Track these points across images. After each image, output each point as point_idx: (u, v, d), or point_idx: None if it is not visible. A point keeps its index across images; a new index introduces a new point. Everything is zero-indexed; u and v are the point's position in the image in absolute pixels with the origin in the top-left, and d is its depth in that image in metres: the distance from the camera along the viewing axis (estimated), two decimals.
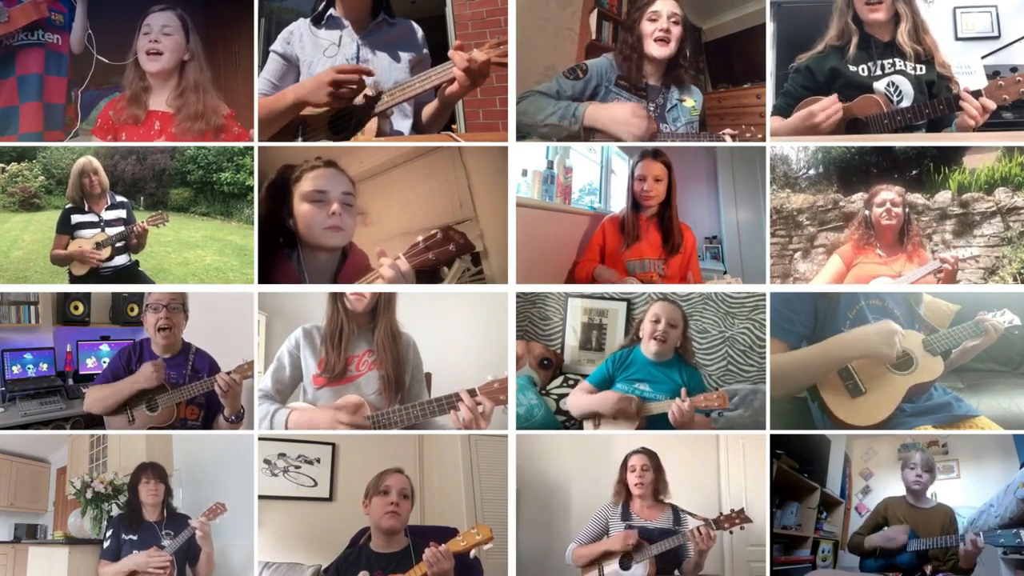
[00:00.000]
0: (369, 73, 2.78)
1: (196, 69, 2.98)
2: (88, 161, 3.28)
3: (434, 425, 2.64)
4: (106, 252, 3.21)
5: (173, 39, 2.95)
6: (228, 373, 2.75)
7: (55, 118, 3.23)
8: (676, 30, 3.01)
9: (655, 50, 3.02)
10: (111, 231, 3.26)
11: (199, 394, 2.84)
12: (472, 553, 2.46)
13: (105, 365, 3.20)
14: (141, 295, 3.22)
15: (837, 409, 2.80)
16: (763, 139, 3.02)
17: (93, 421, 3.09)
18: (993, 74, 3.19)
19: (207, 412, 2.92)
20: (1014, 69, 3.21)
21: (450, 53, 2.71)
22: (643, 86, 3.08)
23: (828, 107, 2.96)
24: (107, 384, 2.89)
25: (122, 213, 3.33)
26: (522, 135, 3.00)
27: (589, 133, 3.00)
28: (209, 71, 3.02)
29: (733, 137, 2.96)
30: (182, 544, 2.94)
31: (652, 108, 3.08)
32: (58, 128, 3.24)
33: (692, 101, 3.20)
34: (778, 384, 2.88)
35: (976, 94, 2.91)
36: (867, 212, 3.15)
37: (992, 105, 2.89)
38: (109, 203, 3.32)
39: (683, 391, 2.74)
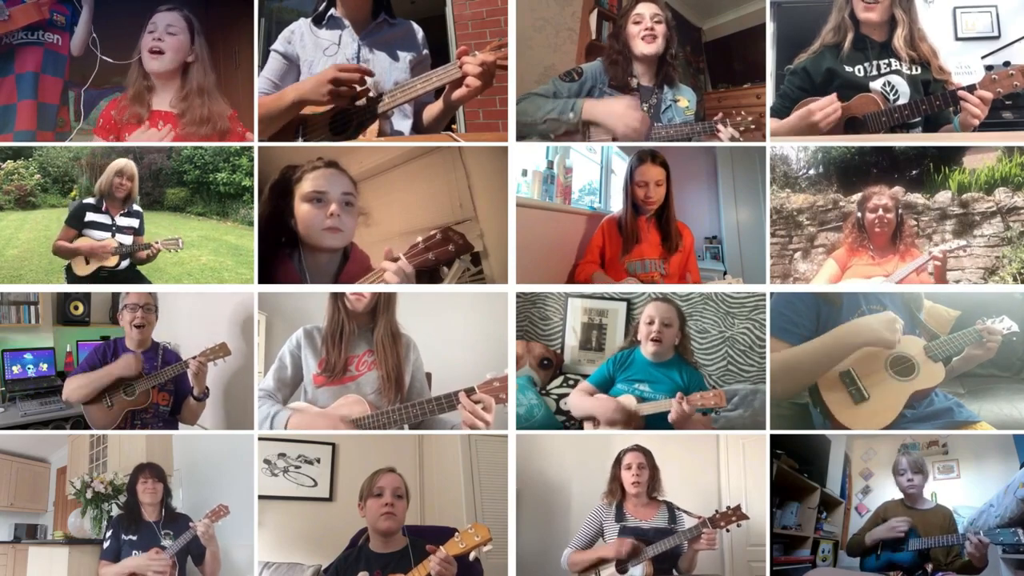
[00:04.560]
0: (370, 73, 2.77)
1: (200, 72, 2.97)
2: (129, 164, 3.30)
3: (439, 423, 2.64)
4: (112, 261, 3.22)
5: (177, 39, 2.95)
6: (194, 358, 2.96)
7: (48, 118, 3.22)
8: (660, 28, 3.07)
9: (643, 47, 3.07)
10: (121, 238, 3.27)
11: (168, 380, 3.06)
12: (472, 555, 2.45)
13: (82, 360, 3.29)
14: None
15: (840, 415, 2.80)
16: (762, 136, 3.03)
17: None
18: (987, 68, 3.20)
19: (176, 397, 3.12)
20: (1007, 63, 3.22)
21: (462, 59, 2.71)
22: (635, 87, 3.12)
23: (826, 106, 2.97)
24: (85, 373, 3.02)
25: (135, 223, 3.34)
26: (522, 135, 3.01)
27: (587, 129, 3.04)
28: (214, 75, 3.01)
29: (725, 124, 2.95)
30: (183, 545, 2.94)
31: (646, 109, 3.11)
32: (50, 129, 3.22)
33: (686, 101, 3.22)
34: (780, 381, 2.88)
35: (970, 88, 2.91)
36: (860, 215, 3.15)
37: (988, 95, 2.89)
38: (126, 210, 3.33)
39: (679, 394, 2.74)
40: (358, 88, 2.74)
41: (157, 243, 3.26)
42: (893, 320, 2.72)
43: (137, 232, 3.33)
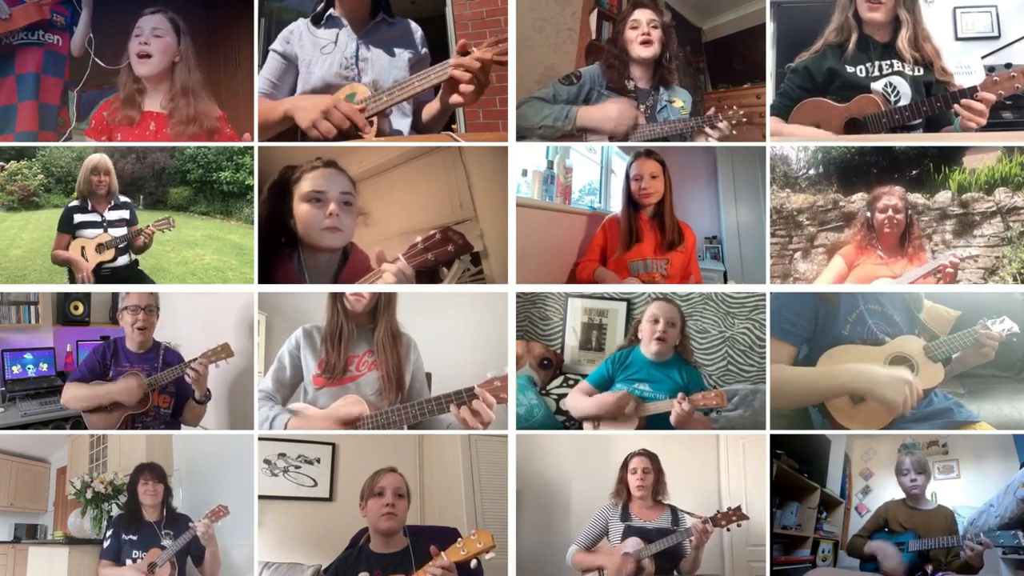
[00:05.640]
0: (361, 129, 2.76)
1: (184, 72, 2.98)
2: (102, 159, 3.28)
3: (437, 423, 2.64)
4: (108, 255, 3.21)
5: (163, 41, 2.96)
6: (195, 360, 2.93)
7: (50, 118, 3.22)
8: (656, 33, 3.11)
9: (640, 51, 3.10)
10: (114, 232, 3.26)
11: (170, 382, 3.02)
12: (473, 563, 2.44)
13: (81, 361, 3.29)
14: None
15: (838, 414, 2.80)
16: (759, 135, 3.03)
17: None
18: (989, 69, 3.20)
19: (177, 400, 3.10)
20: (1008, 65, 3.22)
21: (455, 61, 2.70)
22: (632, 89, 3.15)
23: None
24: (85, 384, 3.01)
25: (125, 214, 3.33)
26: (521, 136, 3.02)
27: (583, 132, 3.07)
28: (200, 74, 3.02)
29: (717, 117, 2.96)
30: (183, 545, 2.94)
31: (643, 110, 3.14)
32: (52, 129, 3.23)
33: (681, 102, 3.24)
34: (780, 397, 2.89)
35: (972, 91, 2.90)
36: (868, 214, 3.15)
37: (991, 97, 2.88)
38: (113, 204, 3.32)
39: (680, 394, 2.75)
40: (342, 130, 2.73)
41: (149, 227, 3.26)
42: (903, 381, 2.62)
43: (130, 222, 3.32)
